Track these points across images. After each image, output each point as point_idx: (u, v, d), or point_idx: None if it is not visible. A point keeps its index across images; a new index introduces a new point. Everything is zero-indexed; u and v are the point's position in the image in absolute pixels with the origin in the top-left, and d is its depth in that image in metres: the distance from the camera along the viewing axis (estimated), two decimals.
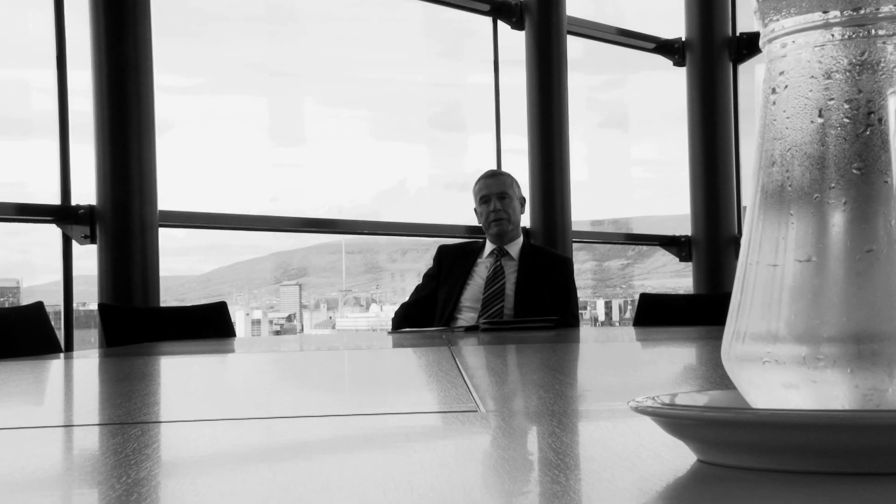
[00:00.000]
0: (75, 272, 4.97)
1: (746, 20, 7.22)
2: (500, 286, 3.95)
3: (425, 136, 7.34)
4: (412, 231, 6.57)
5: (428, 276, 4.14)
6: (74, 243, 4.89)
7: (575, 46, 6.68)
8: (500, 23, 6.50)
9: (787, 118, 0.62)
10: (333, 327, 7.85)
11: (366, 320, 7.78)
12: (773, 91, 0.63)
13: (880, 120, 0.59)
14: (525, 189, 4.44)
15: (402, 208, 7.08)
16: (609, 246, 8.05)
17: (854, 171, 0.59)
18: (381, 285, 8.04)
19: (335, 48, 6.70)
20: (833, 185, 0.60)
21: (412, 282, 4.54)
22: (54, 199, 4.86)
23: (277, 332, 7.59)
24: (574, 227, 6.53)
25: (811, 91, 0.61)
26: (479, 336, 3.06)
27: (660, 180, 8.36)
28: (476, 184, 4.13)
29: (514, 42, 6.47)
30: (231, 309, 4.16)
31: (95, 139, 4.86)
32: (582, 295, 5.70)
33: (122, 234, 4.84)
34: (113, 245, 4.83)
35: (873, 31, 0.60)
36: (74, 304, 5.00)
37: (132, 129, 4.85)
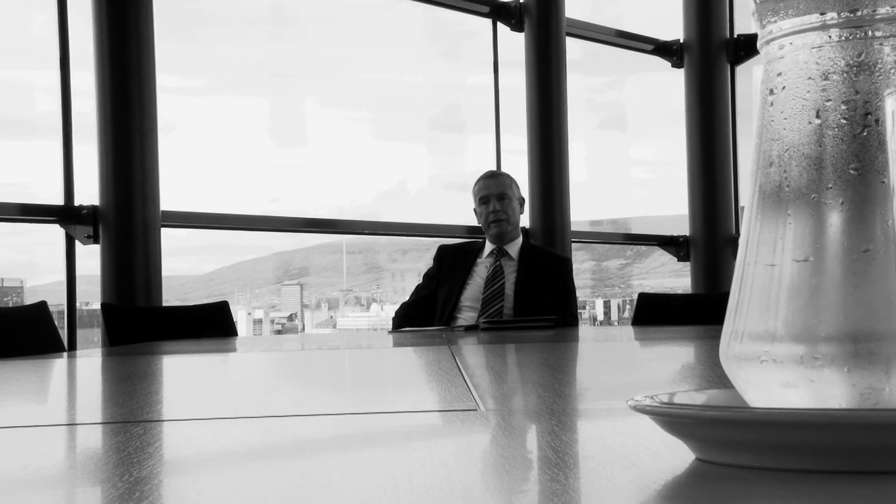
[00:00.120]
0: (78, 272, 4.97)
1: (744, 22, 7.21)
2: (500, 286, 3.95)
3: (425, 137, 7.34)
4: (412, 231, 6.57)
5: (428, 276, 4.14)
6: (77, 243, 4.90)
7: (574, 48, 6.68)
8: (499, 24, 6.50)
9: (785, 119, 0.62)
10: (334, 327, 7.85)
11: (366, 320, 7.78)
12: (771, 92, 0.64)
13: (877, 121, 0.59)
14: (524, 189, 4.44)
15: (402, 208, 7.09)
16: (608, 246, 8.05)
17: (851, 171, 0.60)
18: (381, 285, 8.05)
19: (336, 49, 6.70)
20: (830, 185, 0.60)
21: (412, 281, 4.54)
22: (57, 199, 4.87)
23: (279, 332, 7.60)
24: (573, 227, 6.53)
25: (809, 92, 0.61)
26: (478, 335, 3.06)
27: (658, 181, 8.36)
28: (475, 184, 4.13)
29: (514, 43, 6.47)
30: (233, 308, 4.16)
31: (98, 140, 4.87)
32: (581, 294, 5.69)
33: (125, 234, 4.85)
34: (115, 245, 4.84)
35: (870, 33, 0.60)
36: (77, 304, 5.01)
37: (135, 130, 4.85)
